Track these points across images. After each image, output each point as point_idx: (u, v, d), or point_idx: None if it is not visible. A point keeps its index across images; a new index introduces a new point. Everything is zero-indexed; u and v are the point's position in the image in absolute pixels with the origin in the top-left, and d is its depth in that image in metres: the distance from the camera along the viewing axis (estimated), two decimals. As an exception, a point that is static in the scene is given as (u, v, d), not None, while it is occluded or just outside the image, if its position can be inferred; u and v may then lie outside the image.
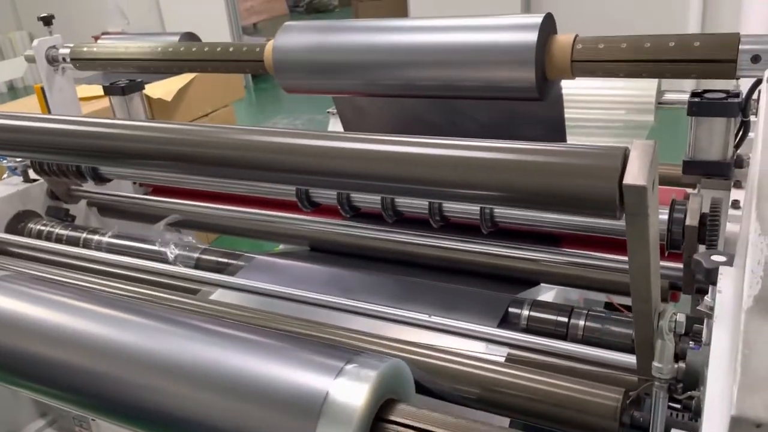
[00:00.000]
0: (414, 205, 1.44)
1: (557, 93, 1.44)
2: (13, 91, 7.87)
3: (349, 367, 0.79)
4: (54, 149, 1.29)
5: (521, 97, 1.36)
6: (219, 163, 1.12)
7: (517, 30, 1.30)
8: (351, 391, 0.76)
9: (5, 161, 1.86)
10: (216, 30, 6.44)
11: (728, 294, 0.79)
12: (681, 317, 0.90)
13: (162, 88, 2.93)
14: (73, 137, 1.25)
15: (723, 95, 1.38)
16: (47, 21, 1.94)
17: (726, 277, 0.81)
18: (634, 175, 0.70)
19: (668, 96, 2.50)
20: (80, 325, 0.90)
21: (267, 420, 0.76)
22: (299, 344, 0.85)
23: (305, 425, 0.74)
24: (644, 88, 2.49)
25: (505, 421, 1.08)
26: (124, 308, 0.94)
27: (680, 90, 2.67)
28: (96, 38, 4.39)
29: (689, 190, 1.46)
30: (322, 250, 1.68)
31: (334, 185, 1.05)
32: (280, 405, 0.76)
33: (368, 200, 1.49)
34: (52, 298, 0.97)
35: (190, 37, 2.29)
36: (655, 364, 0.91)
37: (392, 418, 0.78)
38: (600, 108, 2.53)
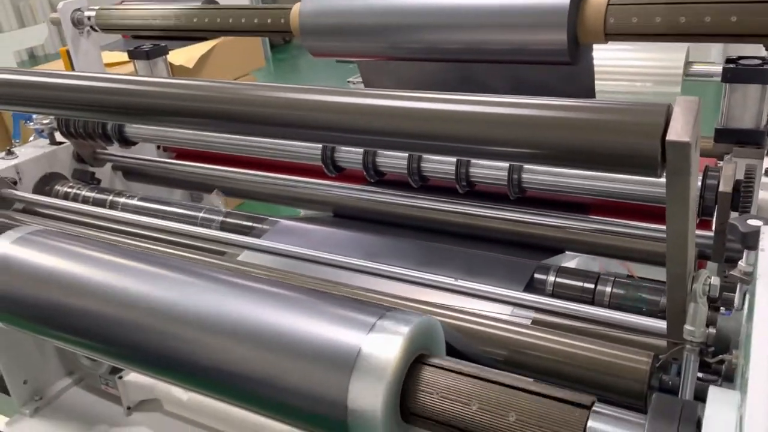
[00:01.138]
0: (440, 169, 1.44)
1: (589, 60, 1.42)
2: (34, 59, 7.90)
3: (381, 322, 0.79)
4: (83, 106, 1.29)
5: (552, 61, 1.34)
6: (247, 120, 1.11)
7: (549, -9, 1.28)
8: (384, 345, 0.76)
9: (32, 123, 1.87)
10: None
11: (772, 253, 0.78)
12: (716, 281, 0.89)
13: (184, 55, 2.93)
14: (103, 94, 1.25)
15: (758, 62, 1.35)
16: (73, -17, 1.93)
17: (769, 237, 0.79)
18: (678, 131, 0.69)
19: (696, 68, 2.45)
20: (120, 280, 0.91)
21: (301, 373, 0.77)
22: (331, 300, 0.86)
23: (339, 379, 0.75)
24: (671, 59, 2.44)
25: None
26: (161, 264, 0.95)
27: (708, 62, 2.62)
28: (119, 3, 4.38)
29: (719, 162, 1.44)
30: (346, 216, 1.68)
31: (366, 143, 1.05)
32: (314, 359, 0.77)
33: (393, 164, 1.49)
34: (89, 253, 0.99)
35: (209, 2, 2.28)
36: (687, 327, 0.90)
37: (424, 372, 0.78)
38: (626, 80, 2.49)
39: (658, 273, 1.48)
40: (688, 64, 2.37)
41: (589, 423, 0.68)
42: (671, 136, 0.69)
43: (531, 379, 0.79)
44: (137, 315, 0.87)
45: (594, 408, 0.70)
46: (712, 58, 4.40)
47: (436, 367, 0.79)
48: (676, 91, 2.38)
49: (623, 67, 2.34)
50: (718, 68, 2.50)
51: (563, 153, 0.75)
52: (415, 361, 0.79)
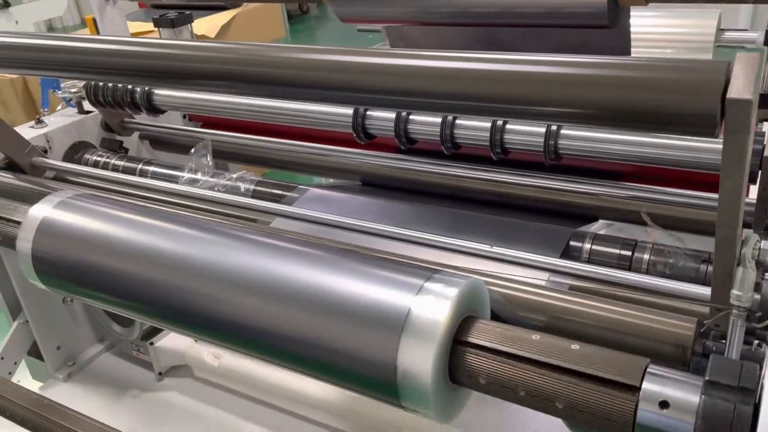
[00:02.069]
0: (474, 136, 1.42)
1: (626, 24, 1.38)
2: (52, 31, 7.90)
3: (429, 284, 0.79)
4: (116, 70, 1.28)
5: (589, 24, 1.30)
6: (280, 83, 1.10)
7: (588, -49, 1.24)
8: (433, 307, 0.76)
9: (60, 92, 1.87)
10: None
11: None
12: (766, 245, 0.88)
13: (205, 25, 2.91)
14: (135, 58, 1.24)
15: (803, 24, 1.31)
16: (98, -50, 1.91)
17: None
18: (740, 88, 0.67)
19: (728, 35, 2.40)
20: (165, 242, 0.92)
21: (351, 335, 0.77)
22: (377, 263, 0.86)
23: (389, 340, 0.75)
24: (703, 27, 2.39)
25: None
26: (204, 226, 0.95)
27: (740, 29, 2.56)
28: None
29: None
30: (375, 185, 1.67)
31: (408, 104, 1.03)
32: (364, 320, 0.77)
33: (426, 131, 1.47)
34: (131, 216, 0.99)
35: (236, -30, 2.25)
36: (735, 291, 0.89)
37: (472, 333, 0.78)
38: (657, 47, 2.44)
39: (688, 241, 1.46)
40: (719, 31, 2.32)
41: (645, 383, 0.67)
42: (732, 93, 0.68)
43: (578, 342, 0.78)
44: (184, 277, 0.87)
45: (649, 369, 0.70)
46: (740, 25, 4.30)
47: (484, 328, 0.78)
48: (709, 57, 2.33)
49: (655, 34, 2.29)
50: (750, 35, 2.44)
51: (619, 113, 0.74)
52: (462, 323, 0.79)
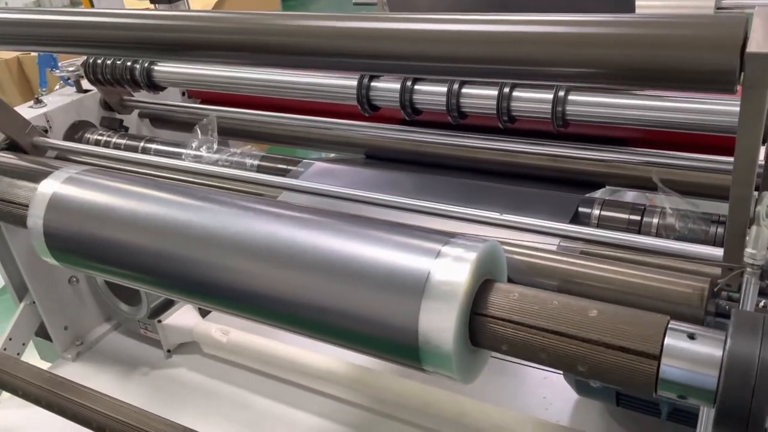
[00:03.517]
0: (480, 104, 1.41)
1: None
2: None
3: (447, 248, 0.79)
4: (117, 43, 1.25)
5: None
6: (284, 51, 1.08)
7: None
8: (453, 270, 0.76)
9: (58, 71, 1.85)
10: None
11: None
12: (780, 205, 0.88)
13: (199, 3, 2.87)
14: (133, 30, 1.22)
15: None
16: (90, -77, 1.88)
17: None
18: (759, 42, 0.67)
19: (726, 2, 2.39)
20: (179, 214, 0.91)
21: (372, 300, 0.77)
22: (395, 228, 0.85)
23: (410, 304, 0.75)
24: (702, -2, 2.39)
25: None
26: (216, 198, 0.95)
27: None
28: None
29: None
30: (380, 158, 1.66)
31: (414, 69, 1.01)
32: (384, 285, 0.77)
33: (431, 101, 1.46)
34: (141, 189, 0.98)
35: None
36: (748, 250, 0.89)
37: (492, 296, 0.78)
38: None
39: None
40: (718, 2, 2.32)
41: (667, 339, 0.68)
42: (752, 47, 0.67)
43: (598, 301, 0.79)
44: (200, 247, 0.87)
45: (671, 325, 0.70)
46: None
47: (503, 290, 0.79)
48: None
49: (654, 5, 2.28)
50: (750, 1, 2.43)
51: (638, 71, 0.73)
52: (481, 286, 0.79)
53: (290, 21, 1.06)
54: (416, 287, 0.76)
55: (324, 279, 0.80)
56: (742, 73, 0.70)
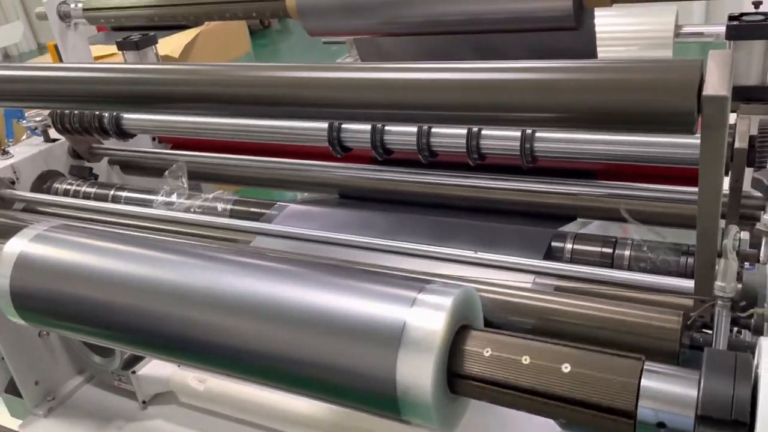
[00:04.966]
0: (450, 143, 1.43)
1: (591, 24, 1.42)
2: (9, 59, 7.72)
3: (422, 296, 0.79)
4: (79, 98, 1.26)
5: (556, 27, 1.33)
6: (250, 102, 1.09)
7: (552, -43, 1.27)
8: (428, 318, 0.76)
9: (24, 121, 1.83)
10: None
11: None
12: (745, 236, 0.90)
13: (169, 45, 2.88)
14: (100, 84, 1.22)
15: (761, 17, 1.35)
16: (56, -26, 1.88)
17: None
18: (714, 85, 0.69)
19: (685, 29, 2.47)
20: (147, 270, 0.90)
21: (348, 352, 0.76)
22: (369, 277, 0.85)
23: (386, 354, 0.75)
24: (662, 23, 2.46)
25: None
26: (187, 251, 0.93)
27: (696, 24, 2.64)
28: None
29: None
30: (353, 197, 1.67)
31: (381, 117, 1.03)
32: (360, 336, 0.77)
33: (402, 141, 1.47)
34: (110, 245, 0.97)
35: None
36: (718, 283, 0.91)
37: (469, 342, 0.78)
38: (619, 45, 2.49)
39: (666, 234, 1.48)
40: (677, 26, 2.39)
41: (643, 380, 0.68)
42: (708, 90, 0.69)
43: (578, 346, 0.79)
44: (171, 304, 0.86)
45: (646, 366, 0.70)
46: (695, 21, 4.42)
47: (480, 337, 0.79)
48: (668, 54, 2.39)
49: (617, 32, 2.35)
50: (707, 28, 2.51)
51: (598, 115, 0.75)
52: (458, 333, 0.79)
53: (258, 72, 1.07)
54: (393, 337, 0.75)
55: (299, 332, 0.79)
56: (700, 115, 0.72)
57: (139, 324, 0.87)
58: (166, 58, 2.86)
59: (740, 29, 1.34)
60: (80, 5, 1.82)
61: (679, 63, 0.73)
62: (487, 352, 0.76)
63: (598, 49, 2.18)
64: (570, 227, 1.49)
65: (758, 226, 0.95)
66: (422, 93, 0.86)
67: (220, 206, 1.64)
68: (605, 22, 2.32)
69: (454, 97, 0.83)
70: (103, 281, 0.92)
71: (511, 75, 0.80)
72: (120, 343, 0.94)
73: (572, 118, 0.77)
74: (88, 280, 0.94)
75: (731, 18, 1.37)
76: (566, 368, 0.71)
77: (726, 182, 1.22)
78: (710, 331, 0.97)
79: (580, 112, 0.76)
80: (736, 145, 1.14)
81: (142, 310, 0.87)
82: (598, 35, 2.11)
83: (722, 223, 1.12)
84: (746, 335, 1.03)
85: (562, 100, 0.76)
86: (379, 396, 0.76)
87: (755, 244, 1.05)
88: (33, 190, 1.77)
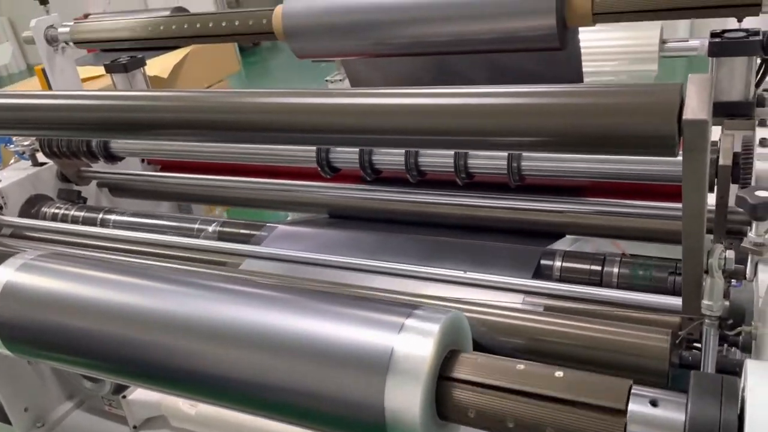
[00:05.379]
0: (438, 163, 1.43)
1: (576, 43, 1.43)
2: (-2, 79, 7.71)
3: (410, 321, 0.79)
4: (67, 125, 1.27)
5: (541, 47, 1.34)
6: (237, 128, 1.10)
7: (535, -22, 1.28)
8: (416, 344, 0.76)
9: (12, 146, 1.82)
10: (200, 4, 6.31)
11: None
12: (730, 254, 0.90)
13: (157, 66, 2.88)
14: (86, 111, 1.23)
15: (743, 34, 1.37)
16: (43, 0, 1.89)
17: (787, 207, 0.80)
18: (694, 109, 0.70)
19: (670, 44, 2.49)
20: (135, 299, 0.89)
21: (336, 380, 0.76)
22: (356, 303, 0.85)
23: (374, 381, 0.74)
24: (647, 38, 2.48)
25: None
26: (175, 279, 0.93)
27: (680, 38, 2.67)
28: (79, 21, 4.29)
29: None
30: (343, 217, 1.67)
31: (368, 142, 1.04)
32: (348, 364, 0.76)
33: (390, 161, 1.48)
34: (98, 274, 0.96)
35: (179, 11, 2.24)
36: (705, 302, 0.91)
37: (457, 368, 0.78)
38: (603, 60, 2.51)
39: (648, 250, 1.49)
40: (662, 41, 2.41)
41: (630, 404, 0.68)
42: (688, 114, 0.70)
43: (561, 367, 0.79)
44: (157, 333, 0.85)
45: (633, 390, 0.70)
46: (680, 34, 4.47)
47: (468, 362, 0.78)
48: (653, 68, 2.41)
49: (601, 47, 2.37)
50: (692, 43, 2.55)
51: (582, 139, 0.76)
52: (446, 358, 0.79)
53: (245, 99, 1.08)
54: (381, 364, 0.75)
55: (287, 359, 0.79)
56: (682, 138, 0.72)
57: (127, 354, 0.86)
58: (156, 79, 2.86)
59: (722, 46, 1.35)
60: (67, 29, 1.83)
61: (660, 87, 0.74)
62: (476, 377, 0.76)
63: (585, 63, 2.21)
64: (562, 243, 1.50)
65: (744, 243, 0.96)
66: (408, 118, 0.87)
67: (210, 228, 1.63)
68: (590, 37, 2.34)
69: (438, 123, 0.83)
70: (91, 311, 0.91)
71: (496, 100, 0.80)
72: (110, 374, 0.93)
73: (555, 142, 0.78)
74: (75, 311, 0.93)
75: (713, 35, 1.38)
76: (555, 394, 0.71)
77: (712, 199, 1.24)
78: (700, 349, 0.97)
79: (563, 136, 0.77)
80: (720, 162, 1.14)
81: (130, 341, 0.86)
82: (583, 50, 2.13)
83: (710, 237, 1.13)
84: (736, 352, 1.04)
85: (545, 124, 0.77)
86: (368, 423, 0.75)
87: (742, 259, 1.06)
88: (21, 214, 1.76)
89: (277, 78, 6.35)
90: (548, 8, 1.25)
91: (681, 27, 4.80)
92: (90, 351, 0.91)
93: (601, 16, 1.28)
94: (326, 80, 2.29)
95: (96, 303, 0.92)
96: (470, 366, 0.78)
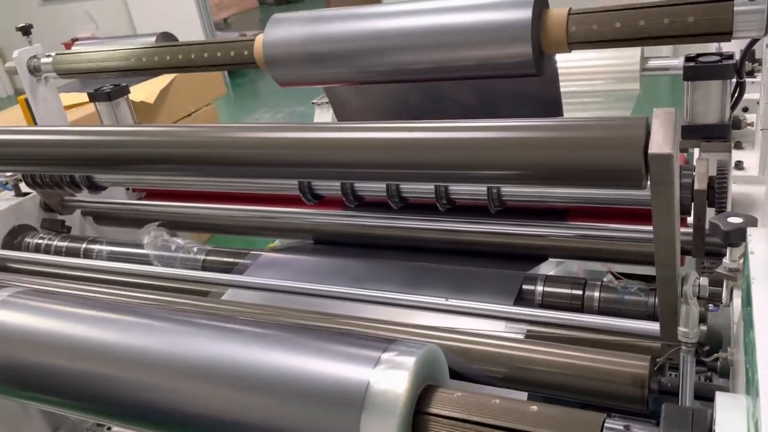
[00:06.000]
0: (419, 190, 1.44)
1: (553, 68, 1.45)
2: (-16, 105, 7.70)
3: (386, 356, 0.79)
4: (50, 160, 1.28)
5: (518, 74, 1.36)
6: (220, 163, 1.11)
7: (511, 7, 1.30)
8: (391, 379, 0.76)
9: (-5, 177, 1.82)
10: (188, 27, 6.35)
11: (762, 255, 0.80)
12: (704, 281, 0.91)
13: (144, 91, 2.89)
14: (69, 147, 1.24)
15: (717, 58, 1.39)
16: (26, 31, 1.90)
17: (757, 238, 0.81)
18: (659, 143, 0.71)
19: (652, 63, 2.52)
20: (112, 336, 0.89)
21: (310, 415, 0.76)
22: (332, 337, 0.85)
23: (349, 417, 0.74)
24: (628, 57, 2.50)
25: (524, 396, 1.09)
26: (153, 316, 0.93)
27: (662, 56, 2.69)
28: (67, 46, 4.30)
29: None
30: (327, 243, 1.67)
31: (348, 176, 1.04)
32: (322, 399, 0.76)
33: (372, 188, 1.49)
34: (77, 311, 0.96)
35: (166, 37, 2.24)
36: (681, 329, 0.92)
37: (433, 404, 0.78)
38: (586, 80, 2.53)
39: (637, 269, 1.50)
40: (644, 59, 2.44)
41: (603, 440, 0.68)
42: (653, 149, 0.71)
43: (542, 403, 0.79)
44: (135, 372, 0.85)
45: (606, 424, 0.71)
46: (663, 52, 4.52)
47: (444, 397, 0.78)
48: (635, 87, 2.44)
49: (583, 67, 2.39)
50: (673, 61, 2.57)
51: (547, 172, 0.77)
52: (422, 392, 0.79)
53: (228, 134, 1.09)
54: (356, 399, 0.75)
55: (261, 395, 0.79)
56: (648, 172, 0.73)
57: (106, 394, 0.85)
58: (142, 105, 2.87)
59: (696, 70, 1.37)
60: (50, 59, 1.83)
61: (625, 121, 0.75)
62: (452, 412, 0.76)
63: (566, 83, 2.23)
64: (544, 267, 1.50)
65: (719, 269, 0.97)
66: (384, 153, 0.88)
67: (194, 256, 1.63)
68: (569, 57, 2.37)
69: (412, 157, 0.84)
70: (68, 350, 0.91)
71: (463, 134, 0.81)
72: (89, 414, 0.92)
73: (524, 174, 0.79)
74: (53, 349, 0.92)
75: (687, 59, 1.40)
76: (530, 428, 0.71)
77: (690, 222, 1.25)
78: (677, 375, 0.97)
79: (531, 168, 0.78)
80: (696, 186, 1.16)
81: (107, 380, 0.85)
82: (565, 70, 2.15)
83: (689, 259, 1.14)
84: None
85: (514, 157, 0.78)
86: (344, 461, 0.75)
87: (719, 282, 1.06)
88: (4, 245, 1.75)
89: (264, 100, 6.37)
90: (524, 36, 1.27)
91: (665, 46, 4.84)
92: (68, 392, 0.91)
93: (576, 44, 1.30)
94: (313, 102, 2.31)
95: (74, 342, 0.92)
96: (446, 401, 0.78)
